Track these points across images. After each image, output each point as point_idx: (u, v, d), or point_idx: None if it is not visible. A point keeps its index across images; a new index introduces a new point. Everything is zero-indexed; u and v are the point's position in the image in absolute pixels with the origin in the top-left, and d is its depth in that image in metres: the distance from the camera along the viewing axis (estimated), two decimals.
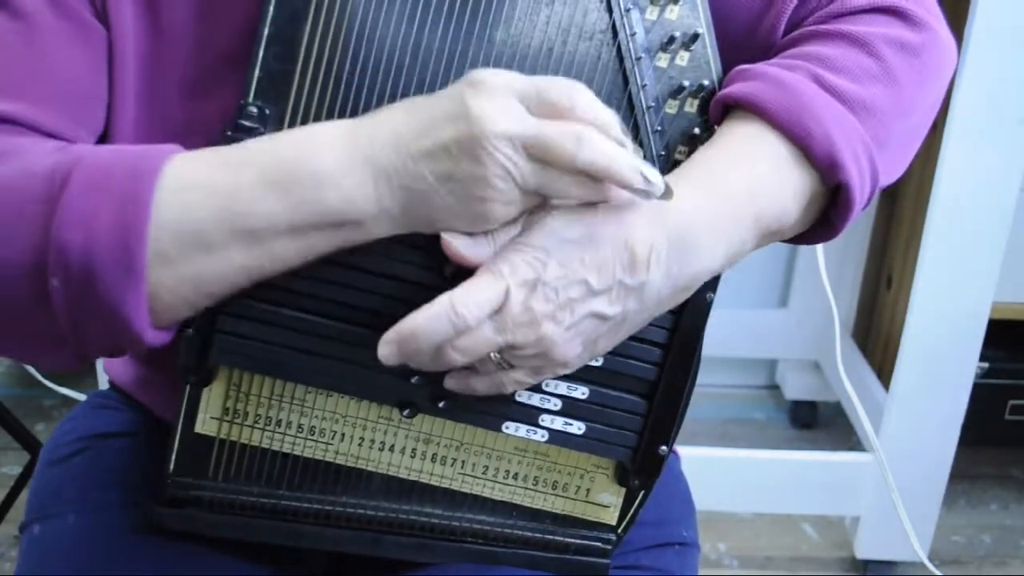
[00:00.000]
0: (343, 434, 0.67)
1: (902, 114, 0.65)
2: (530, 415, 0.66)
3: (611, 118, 0.56)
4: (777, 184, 0.62)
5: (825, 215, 0.66)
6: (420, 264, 0.61)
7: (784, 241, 0.68)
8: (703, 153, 0.63)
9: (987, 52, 1.30)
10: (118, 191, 0.55)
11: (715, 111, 0.64)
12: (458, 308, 0.55)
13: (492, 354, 0.58)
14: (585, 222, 0.58)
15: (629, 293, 0.58)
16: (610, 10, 0.63)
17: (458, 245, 0.57)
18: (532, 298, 0.57)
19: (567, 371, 0.61)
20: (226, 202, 0.56)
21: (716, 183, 0.61)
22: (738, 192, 0.61)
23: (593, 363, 0.65)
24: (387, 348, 0.57)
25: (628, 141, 0.57)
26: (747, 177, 0.61)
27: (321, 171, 0.55)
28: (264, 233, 0.56)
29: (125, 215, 0.54)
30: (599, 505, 0.72)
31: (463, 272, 0.58)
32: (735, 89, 0.63)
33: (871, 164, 0.63)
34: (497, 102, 0.54)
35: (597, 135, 0.55)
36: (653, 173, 0.56)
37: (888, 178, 0.67)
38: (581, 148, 0.54)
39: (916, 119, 0.68)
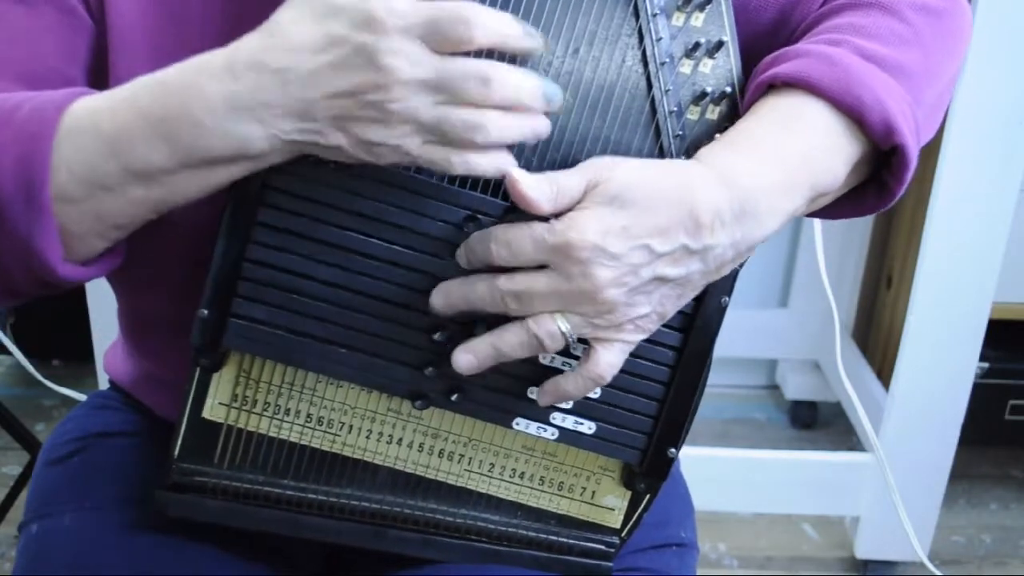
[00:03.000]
0: (351, 426, 0.67)
1: (933, 76, 0.67)
2: (541, 412, 0.66)
3: (511, 29, 0.55)
4: (831, 153, 0.62)
5: (879, 181, 0.67)
6: (438, 253, 0.61)
7: (844, 215, 0.69)
8: (755, 122, 0.63)
9: (987, 52, 1.30)
10: (22, 128, 0.56)
11: (756, 92, 0.64)
12: (500, 287, 0.58)
13: (565, 334, 0.59)
14: (649, 185, 0.58)
15: (692, 255, 0.59)
16: (637, 15, 0.63)
17: (523, 183, 0.57)
18: (594, 264, 0.57)
19: (642, 336, 0.61)
20: (114, 146, 0.56)
21: (775, 152, 0.61)
22: (795, 161, 0.61)
23: None
24: (435, 296, 0.61)
25: (535, 36, 0.57)
26: (802, 146, 0.62)
27: (201, 117, 0.55)
28: (157, 173, 0.57)
29: (28, 151, 0.56)
30: (604, 508, 0.72)
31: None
32: (781, 69, 0.63)
33: (916, 124, 0.64)
34: (401, 47, 0.53)
35: (501, 71, 0.55)
36: (552, 89, 0.57)
37: (925, 139, 0.68)
38: (489, 87, 0.54)
39: (943, 83, 0.68)
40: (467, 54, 0.55)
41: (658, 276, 0.59)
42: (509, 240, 0.58)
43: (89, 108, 0.57)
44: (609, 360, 0.60)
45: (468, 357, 0.60)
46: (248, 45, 0.56)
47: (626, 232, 0.57)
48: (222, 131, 0.55)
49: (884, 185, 0.66)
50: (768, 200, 0.60)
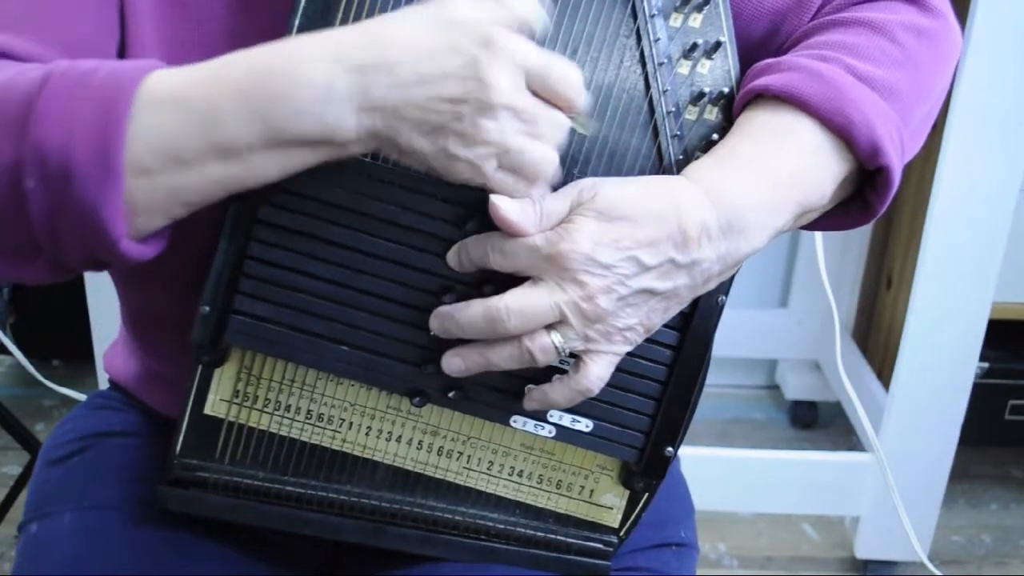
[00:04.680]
0: (351, 423, 0.68)
1: (922, 97, 0.67)
2: (538, 410, 0.66)
3: (583, 103, 0.59)
4: (818, 171, 0.63)
5: (863, 199, 0.68)
6: (438, 251, 0.62)
7: (823, 228, 0.70)
8: (744, 138, 0.64)
9: (987, 53, 1.30)
10: (99, 91, 0.55)
11: (743, 100, 0.65)
12: (501, 312, 0.59)
13: (558, 348, 0.60)
14: (635, 200, 0.59)
15: (680, 269, 0.60)
16: (635, 15, 0.63)
17: (506, 210, 0.58)
18: (585, 273, 0.58)
19: (628, 348, 0.62)
20: (201, 120, 0.55)
21: (763, 169, 0.62)
22: (784, 178, 0.62)
23: None
24: (435, 322, 0.62)
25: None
26: (791, 163, 0.63)
27: (300, 100, 0.55)
28: (240, 150, 0.56)
29: (106, 114, 0.54)
30: (602, 507, 0.72)
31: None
32: (772, 80, 0.63)
33: (903, 145, 0.65)
34: (511, 73, 0.55)
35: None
36: None
37: (908, 157, 0.69)
38: (561, 135, 0.58)
39: (932, 102, 0.69)
40: None
41: (646, 288, 0.60)
42: (505, 248, 0.59)
43: (174, 80, 0.56)
44: (598, 373, 0.61)
45: (457, 361, 0.62)
46: (357, 35, 0.56)
47: (616, 244, 0.58)
48: (318, 114, 0.55)
49: (866, 203, 0.67)
50: (755, 216, 0.61)
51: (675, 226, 0.59)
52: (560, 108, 0.58)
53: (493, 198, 0.58)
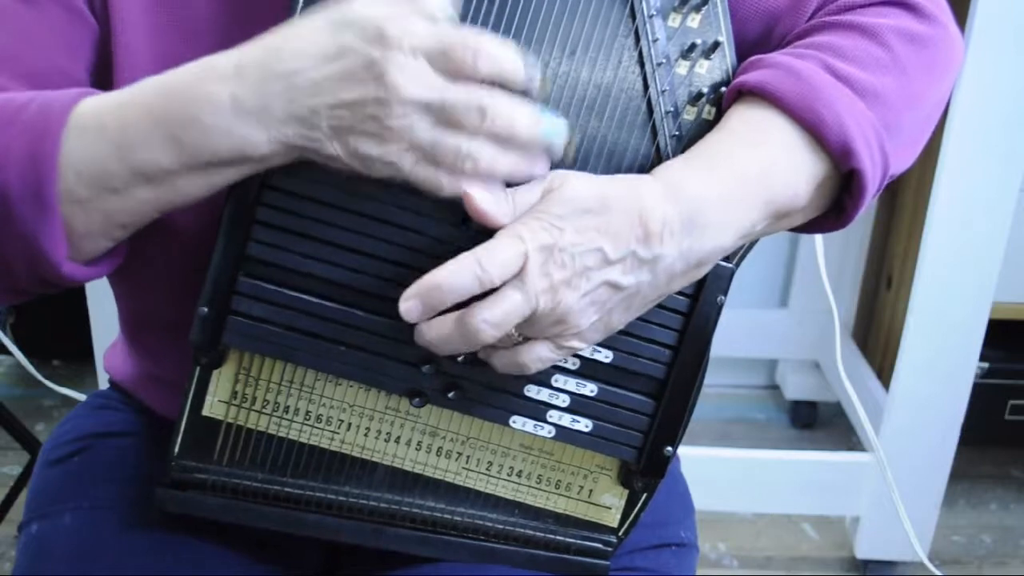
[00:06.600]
0: (350, 423, 0.68)
1: (911, 103, 0.66)
2: (538, 410, 0.66)
3: (513, 65, 0.56)
4: (789, 169, 0.62)
5: (838, 202, 0.67)
6: (435, 251, 0.62)
7: (796, 231, 0.68)
8: (715, 136, 0.63)
9: (987, 53, 1.30)
10: (29, 126, 0.57)
11: (727, 99, 0.65)
12: (484, 264, 0.56)
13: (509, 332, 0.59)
14: (600, 193, 0.58)
15: (643, 265, 0.59)
16: (633, 16, 0.63)
17: (480, 200, 0.57)
18: (549, 264, 0.57)
19: (584, 345, 0.61)
20: (119, 146, 0.57)
21: (729, 165, 0.61)
22: (750, 175, 0.61)
23: (603, 360, 0.65)
24: (409, 303, 0.57)
25: (536, 79, 0.57)
26: (759, 161, 0.62)
27: (206, 119, 0.56)
28: (161, 175, 0.57)
29: (36, 148, 0.56)
30: (601, 506, 0.72)
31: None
32: (748, 77, 0.63)
33: (882, 151, 0.64)
34: (409, 66, 0.54)
35: (501, 103, 0.55)
36: (555, 126, 0.57)
37: (899, 167, 0.68)
38: (484, 118, 0.55)
39: (925, 110, 0.68)
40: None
41: (609, 281, 0.59)
42: (504, 261, 0.56)
43: (95, 108, 0.58)
44: (539, 354, 0.60)
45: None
46: (257, 48, 0.56)
47: (580, 235, 0.58)
48: (226, 132, 0.56)
49: (841, 207, 0.66)
50: (717, 212, 0.60)
51: (637, 219, 0.58)
52: (489, 83, 0.56)
53: (466, 188, 0.58)
